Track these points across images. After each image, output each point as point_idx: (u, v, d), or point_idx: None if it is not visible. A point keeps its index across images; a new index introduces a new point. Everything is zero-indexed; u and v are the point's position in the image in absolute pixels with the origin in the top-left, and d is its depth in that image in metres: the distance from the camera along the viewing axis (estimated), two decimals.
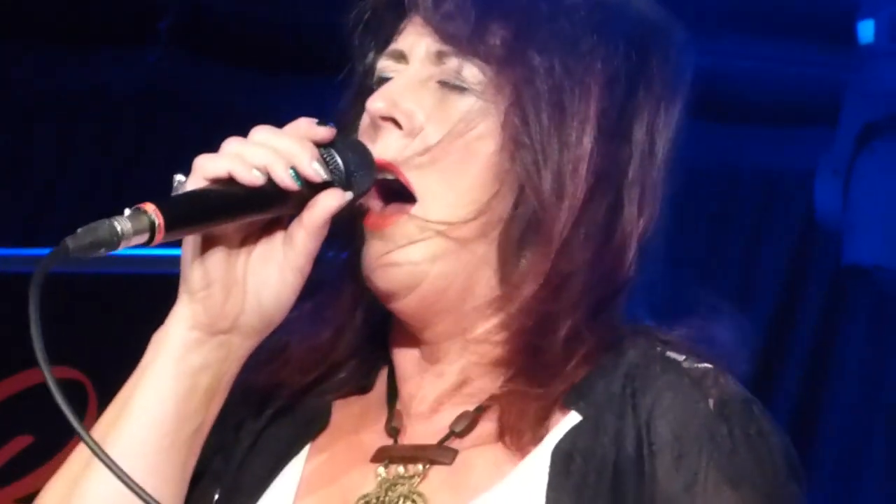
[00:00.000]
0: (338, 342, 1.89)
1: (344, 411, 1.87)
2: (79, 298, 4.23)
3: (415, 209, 1.80)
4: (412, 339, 1.86)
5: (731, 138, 4.89)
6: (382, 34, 1.92)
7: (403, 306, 1.81)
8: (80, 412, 1.82)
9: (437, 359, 1.86)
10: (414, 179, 1.78)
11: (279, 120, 2.01)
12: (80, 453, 1.77)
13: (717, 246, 4.94)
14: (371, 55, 1.92)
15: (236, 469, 1.90)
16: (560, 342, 1.78)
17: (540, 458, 1.76)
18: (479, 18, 1.84)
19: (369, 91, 1.88)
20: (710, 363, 1.76)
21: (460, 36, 1.83)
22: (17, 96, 4.82)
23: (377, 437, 1.83)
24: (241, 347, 1.79)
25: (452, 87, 1.82)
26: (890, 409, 5.30)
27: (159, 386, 1.76)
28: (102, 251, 1.62)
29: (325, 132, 1.79)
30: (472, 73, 1.82)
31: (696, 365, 1.76)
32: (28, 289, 1.67)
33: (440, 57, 1.82)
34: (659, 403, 1.78)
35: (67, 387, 1.87)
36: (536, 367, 1.80)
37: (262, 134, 1.77)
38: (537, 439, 1.77)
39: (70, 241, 1.59)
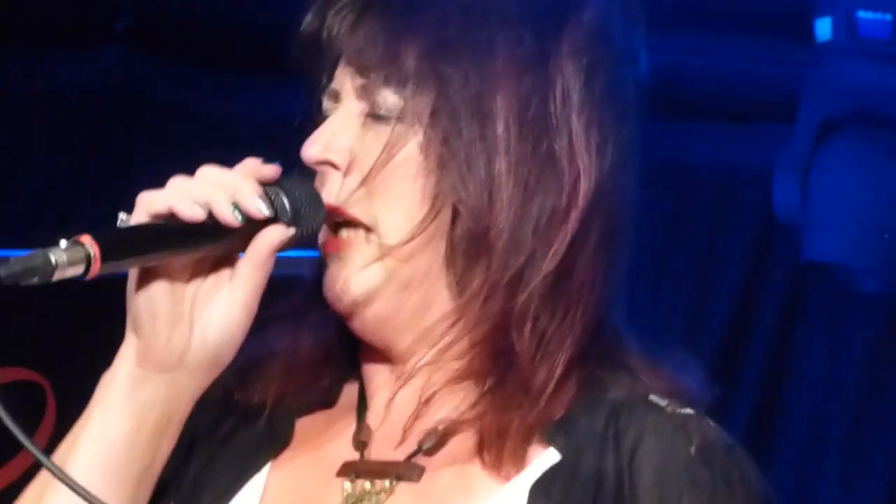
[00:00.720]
0: (303, 358, 1.89)
1: (308, 426, 1.87)
2: (38, 300, 4.04)
3: (368, 233, 1.84)
4: (379, 355, 1.88)
5: (689, 135, 4.91)
6: (322, 75, 1.97)
7: (361, 324, 1.83)
8: (39, 414, 1.83)
9: (405, 375, 1.86)
10: (359, 213, 1.80)
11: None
12: (40, 478, 1.81)
13: (676, 243, 4.96)
14: (318, 94, 1.95)
15: (192, 487, 1.90)
16: (527, 342, 1.78)
17: (517, 493, 1.77)
18: (388, 44, 1.86)
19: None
20: (692, 408, 1.77)
21: (373, 65, 1.86)
22: None
23: (343, 451, 1.83)
24: (189, 386, 1.80)
25: (377, 117, 1.85)
26: (848, 407, 5.37)
27: (106, 423, 1.77)
28: (35, 280, 1.64)
29: (271, 170, 1.80)
30: (392, 100, 1.84)
31: (679, 410, 1.76)
32: None
33: (365, 90, 1.85)
34: (642, 446, 1.78)
35: (26, 388, 1.87)
36: (511, 380, 1.80)
37: (207, 171, 1.78)
38: (515, 465, 1.77)
39: (2, 269, 1.60)
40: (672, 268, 4.88)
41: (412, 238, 1.81)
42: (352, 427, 1.84)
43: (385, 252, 1.81)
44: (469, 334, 1.81)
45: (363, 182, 1.83)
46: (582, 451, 1.77)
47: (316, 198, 1.79)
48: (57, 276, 1.65)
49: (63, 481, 1.68)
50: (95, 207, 4.32)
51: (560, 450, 1.75)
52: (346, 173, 1.81)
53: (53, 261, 1.63)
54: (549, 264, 1.80)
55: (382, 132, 1.83)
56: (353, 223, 1.82)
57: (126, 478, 1.78)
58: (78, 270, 1.65)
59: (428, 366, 1.84)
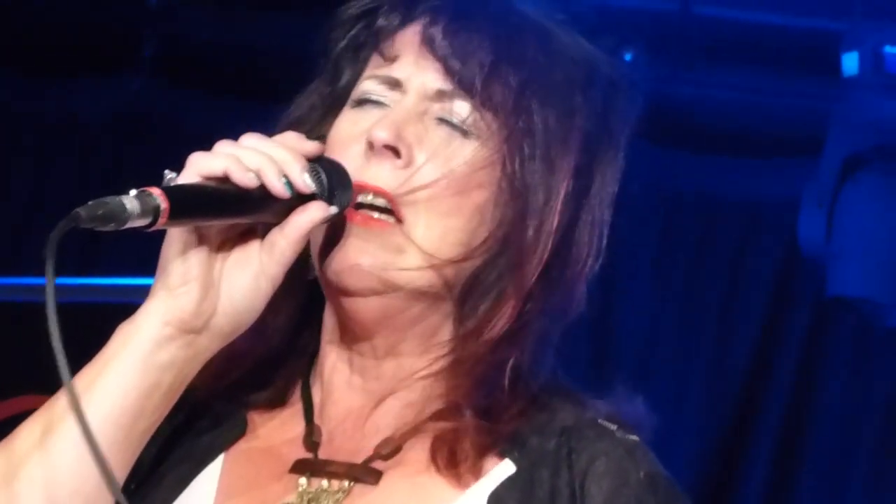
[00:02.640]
0: (259, 349, 1.86)
1: (260, 421, 1.86)
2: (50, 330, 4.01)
3: (406, 227, 1.80)
4: (347, 351, 1.85)
5: (717, 168, 4.85)
6: (364, 52, 1.90)
7: (363, 307, 1.80)
8: None
9: (369, 376, 1.84)
10: (404, 209, 1.77)
11: None
12: (55, 408, 1.76)
13: (701, 276, 4.92)
14: (349, 71, 1.89)
15: (150, 471, 1.86)
16: (507, 385, 1.78)
17: (474, 502, 1.75)
18: (493, 64, 1.82)
19: (340, 103, 1.88)
20: (637, 436, 1.78)
21: (470, 79, 1.82)
22: None
23: (295, 450, 1.82)
24: (206, 350, 1.76)
25: (454, 126, 1.80)
26: (872, 441, 5.24)
27: (124, 378, 1.73)
28: (112, 226, 1.60)
29: (314, 147, 1.78)
30: (475, 117, 1.80)
31: (627, 436, 1.76)
32: (19, 313, 1.67)
33: (441, 95, 1.81)
34: (594, 467, 1.77)
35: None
36: (478, 405, 1.79)
37: (254, 140, 1.75)
38: (473, 474, 1.76)
39: (82, 211, 1.57)
40: (697, 300, 4.82)
41: (464, 259, 1.80)
42: (301, 426, 1.84)
43: (425, 257, 1.82)
44: (457, 361, 1.81)
45: (426, 185, 1.82)
46: (536, 466, 1.77)
47: (346, 178, 1.77)
48: (128, 224, 1.63)
49: (87, 439, 1.65)
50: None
51: (515, 463, 1.74)
52: (404, 165, 1.80)
53: (128, 208, 1.60)
54: (551, 317, 1.82)
55: (460, 146, 1.83)
56: (389, 212, 1.81)
57: (131, 435, 1.77)
58: (145, 222, 1.63)
59: (394, 371, 1.84)
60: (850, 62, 4.29)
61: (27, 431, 1.74)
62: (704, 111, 4.60)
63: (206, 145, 2.09)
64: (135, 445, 1.74)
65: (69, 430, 1.69)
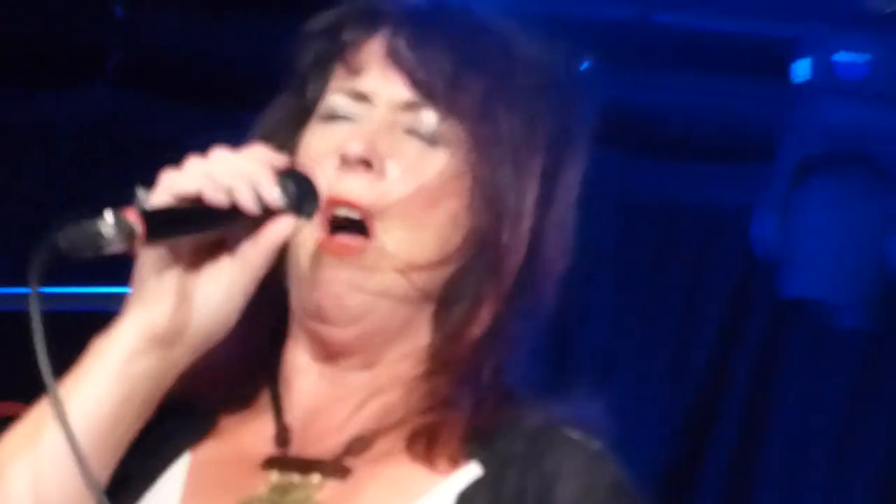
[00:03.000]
0: (228, 356, 1.87)
1: (228, 422, 1.88)
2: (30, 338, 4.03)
3: (378, 244, 1.80)
4: (320, 362, 1.87)
5: (674, 174, 4.79)
6: (330, 65, 1.91)
7: (340, 334, 1.81)
8: None
9: (342, 384, 1.85)
10: (377, 223, 1.79)
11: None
12: (39, 413, 1.76)
13: (660, 279, 4.93)
14: (315, 84, 1.92)
15: (119, 468, 1.84)
16: (484, 385, 1.81)
17: (443, 500, 1.77)
18: (456, 72, 1.83)
19: (307, 116, 1.90)
20: (600, 442, 1.79)
21: (437, 89, 1.84)
22: None
23: (265, 447, 1.82)
24: (180, 362, 1.77)
25: (422, 137, 1.83)
26: (827, 441, 5.28)
27: (99, 388, 1.75)
28: (89, 253, 1.61)
29: (282, 160, 1.78)
30: (443, 127, 1.82)
31: (592, 442, 1.78)
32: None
33: (409, 106, 1.83)
34: (560, 471, 1.78)
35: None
36: (455, 404, 1.81)
37: (224, 156, 1.76)
38: (441, 473, 1.78)
39: (60, 240, 1.60)
40: (655, 305, 4.83)
41: (439, 265, 1.82)
42: (271, 425, 1.85)
43: (400, 269, 1.82)
44: (436, 365, 1.83)
45: (400, 198, 1.84)
46: (504, 469, 1.78)
47: (313, 189, 1.79)
48: (105, 251, 1.63)
49: (71, 446, 1.67)
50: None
51: (483, 464, 1.76)
52: (376, 178, 1.81)
53: (105, 235, 1.63)
54: (520, 309, 1.83)
55: (431, 156, 1.86)
56: (355, 226, 1.80)
57: (108, 442, 1.78)
58: (122, 246, 1.64)
59: (369, 380, 1.86)
60: (802, 68, 4.31)
61: (12, 437, 1.77)
62: (660, 118, 4.60)
63: (171, 152, 2.10)
64: (113, 452, 1.76)
65: (52, 436, 1.71)
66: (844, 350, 5.00)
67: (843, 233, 4.41)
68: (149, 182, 1.77)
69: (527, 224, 1.84)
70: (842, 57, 4.30)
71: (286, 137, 1.86)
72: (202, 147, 2.13)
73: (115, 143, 4.50)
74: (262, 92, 1.93)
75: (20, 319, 1.78)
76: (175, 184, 1.67)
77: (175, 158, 1.85)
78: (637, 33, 4.45)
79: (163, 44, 4.57)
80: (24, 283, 1.68)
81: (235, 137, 2.16)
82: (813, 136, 4.37)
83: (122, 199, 1.72)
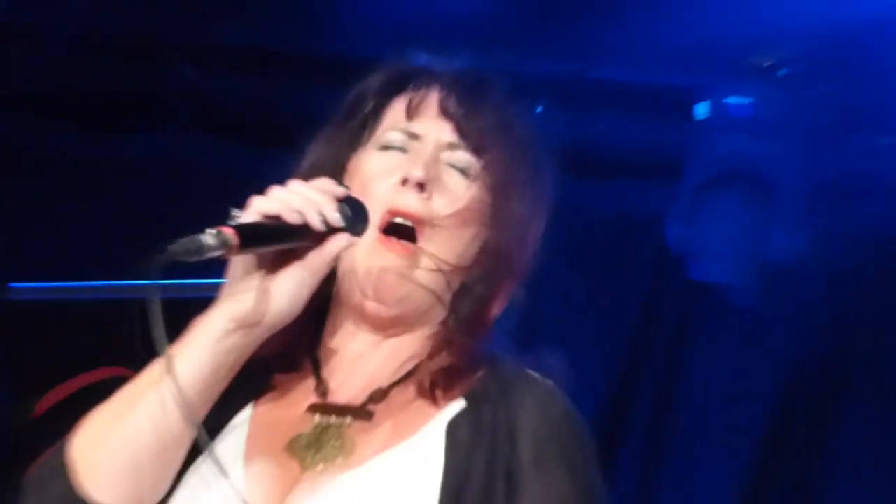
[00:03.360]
0: (281, 330, 1.89)
1: (279, 378, 1.93)
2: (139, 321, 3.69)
3: (424, 249, 1.88)
4: (358, 334, 1.92)
5: (609, 191, 4.69)
6: (385, 110, 1.99)
7: (386, 311, 1.88)
8: None
9: (376, 349, 1.92)
10: (422, 233, 1.85)
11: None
12: (151, 372, 1.81)
13: (598, 273, 4.74)
14: (371, 122, 1.98)
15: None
16: (475, 342, 1.89)
17: (437, 428, 1.83)
18: (488, 127, 1.93)
19: (355, 147, 1.95)
20: (555, 382, 1.86)
21: (474, 137, 1.92)
22: (59, 165, 4.62)
23: (308, 397, 1.88)
24: (258, 339, 1.81)
25: (461, 171, 1.90)
26: (731, 408, 5.05)
27: (198, 357, 1.79)
28: (195, 258, 1.67)
29: (341, 191, 1.84)
30: (476, 167, 1.89)
31: (548, 382, 1.84)
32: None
33: (452, 146, 1.90)
34: (524, 404, 1.85)
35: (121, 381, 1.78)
36: (454, 356, 1.88)
37: (298, 186, 1.82)
38: (436, 409, 1.85)
39: (175, 248, 1.64)
40: (595, 289, 4.66)
41: (470, 268, 1.90)
42: (312, 381, 1.90)
43: (441, 269, 1.89)
44: (444, 337, 1.89)
45: (444, 217, 1.89)
46: (482, 403, 1.84)
47: (364, 211, 1.84)
48: (207, 256, 1.68)
49: (178, 395, 1.72)
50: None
51: (467, 400, 1.83)
52: (427, 198, 1.87)
53: (208, 244, 1.68)
54: (509, 288, 1.91)
55: (467, 188, 1.91)
56: (406, 231, 1.89)
57: (199, 398, 1.82)
58: (221, 253, 1.69)
59: (393, 346, 1.92)
60: (703, 109, 4.36)
61: (128, 390, 1.82)
62: (600, 148, 4.49)
63: (224, 183, 2.14)
64: (203, 403, 1.81)
65: (158, 393, 1.78)
66: (734, 319, 4.86)
67: (735, 232, 4.44)
68: (209, 207, 1.82)
69: (531, 245, 1.93)
70: (732, 100, 4.34)
71: (335, 161, 1.93)
72: (248, 179, 2.14)
73: (184, 176, 4.41)
74: (296, 134, 2.02)
75: (123, 307, 1.80)
76: (261, 206, 1.74)
77: (226, 189, 1.84)
78: (578, 84, 4.32)
79: (218, 96, 4.47)
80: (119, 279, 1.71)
81: (284, 171, 2.14)
82: (711, 161, 4.43)
83: (185, 222, 1.78)
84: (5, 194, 4.53)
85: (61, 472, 1.81)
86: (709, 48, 4.19)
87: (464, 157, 1.92)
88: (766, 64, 4.15)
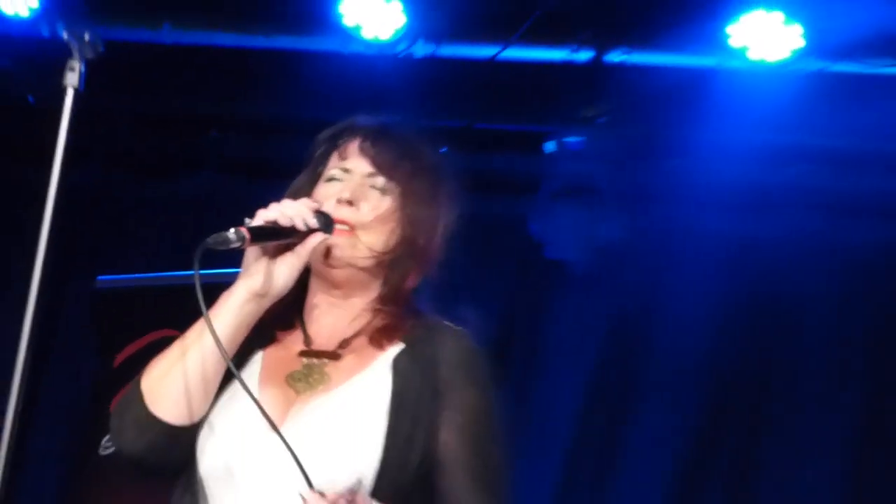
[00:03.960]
0: (280, 301, 1.85)
1: (280, 333, 1.90)
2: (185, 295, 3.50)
3: (355, 236, 1.84)
4: (325, 297, 1.91)
5: (492, 201, 4.33)
6: (327, 156, 1.93)
7: (337, 273, 1.89)
8: None
9: (337, 308, 1.90)
10: (360, 231, 1.83)
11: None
12: (193, 329, 1.77)
13: (478, 256, 4.23)
14: (321, 165, 1.94)
15: None
16: (402, 304, 1.89)
17: (385, 362, 1.85)
18: (395, 160, 1.91)
19: (317, 180, 1.90)
20: (465, 329, 1.88)
21: (386, 168, 1.91)
22: (119, 205, 4.39)
23: (299, 346, 1.88)
24: (265, 306, 1.82)
25: (380, 190, 1.90)
26: (571, 351, 4.76)
27: (226, 318, 1.80)
28: (222, 247, 1.69)
29: (315, 205, 1.84)
30: (390, 186, 1.89)
31: (460, 328, 1.88)
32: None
33: (371, 175, 1.89)
34: (444, 343, 1.88)
35: (173, 339, 1.83)
36: (394, 311, 1.88)
37: (289, 202, 1.83)
38: (383, 350, 1.84)
39: (209, 240, 1.66)
40: (476, 265, 3.95)
41: (388, 253, 1.88)
42: (301, 335, 1.88)
43: (370, 251, 1.84)
44: (382, 295, 1.89)
45: (367, 221, 1.87)
46: (416, 344, 1.86)
47: (331, 218, 1.84)
48: (230, 247, 1.70)
49: (217, 341, 1.67)
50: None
51: (405, 343, 1.85)
52: (355, 210, 1.85)
53: (230, 238, 1.69)
54: (422, 267, 1.90)
55: (383, 200, 1.91)
56: (350, 231, 1.86)
57: (229, 347, 1.80)
58: (238, 245, 1.71)
59: (350, 305, 1.88)
60: (550, 145, 4.31)
61: (179, 342, 1.82)
62: (484, 172, 4.16)
63: (247, 214, 2.21)
64: (231, 351, 1.78)
65: (200, 343, 1.77)
66: (575, 284, 4.73)
67: (575, 225, 4.38)
68: (227, 225, 1.81)
69: (437, 237, 1.93)
70: (570, 139, 4.28)
71: (306, 191, 1.93)
72: (255, 203, 2.21)
73: (216, 209, 4.06)
74: (286, 173, 2.01)
75: (184, 288, 1.79)
76: (264, 215, 1.80)
77: (240, 212, 1.88)
78: (470, 132, 4.18)
79: (238, 153, 4.27)
80: (187, 268, 1.76)
81: (273, 196, 2.20)
82: (558, 179, 4.40)
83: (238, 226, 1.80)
84: (95, 224, 4.35)
85: (136, 400, 1.83)
86: (554, 107, 4.25)
87: (380, 180, 1.94)
88: (591, 115, 4.17)
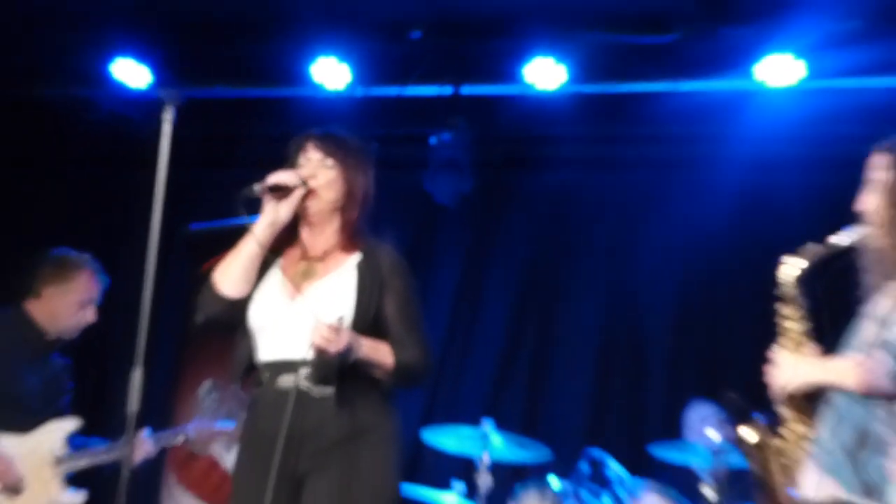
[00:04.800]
0: (286, 231, 2.34)
1: (287, 251, 2.38)
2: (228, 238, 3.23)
3: (319, 196, 2.37)
4: (309, 229, 2.35)
5: (403, 172, 5.22)
6: (298, 152, 2.47)
7: (312, 216, 2.36)
8: None
9: (315, 234, 2.38)
10: (320, 192, 2.36)
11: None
12: (240, 246, 2.27)
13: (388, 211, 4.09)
14: (294, 157, 2.43)
15: None
16: (355, 228, 2.40)
17: (352, 264, 2.33)
18: (336, 150, 2.39)
19: (294, 165, 2.37)
20: (391, 247, 2.39)
21: (331, 153, 2.39)
22: (195, 190, 5.17)
23: (299, 254, 2.36)
24: (276, 230, 2.31)
25: (327, 166, 2.37)
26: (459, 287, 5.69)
27: (258, 236, 2.29)
28: (251, 195, 2.15)
29: (296, 173, 2.34)
30: (334, 164, 2.38)
31: (389, 246, 2.36)
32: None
33: (322, 160, 2.40)
34: (383, 255, 2.38)
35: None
36: (349, 234, 2.41)
37: (282, 172, 2.31)
38: (349, 256, 2.32)
39: (244, 190, 2.07)
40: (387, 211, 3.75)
41: (337, 203, 2.34)
42: (299, 252, 2.35)
43: (326, 202, 2.37)
44: (341, 224, 2.40)
45: (320, 186, 2.33)
46: (369, 255, 2.33)
47: (304, 181, 2.29)
48: (255, 195, 2.13)
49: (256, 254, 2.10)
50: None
51: (362, 253, 2.33)
52: (316, 179, 2.35)
53: (255, 190, 2.04)
54: (359, 208, 2.44)
55: (329, 172, 2.36)
56: (314, 193, 2.37)
57: (256, 262, 2.31)
58: (259, 194, 2.14)
59: (322, 230, 2.37)
60: (433, 139, 5.17)
61: (232, 252, 2.32)
62: (392, 151, 4.33)
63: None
64: (263, 253, 2.30)
65: (244, 249, 2.29)
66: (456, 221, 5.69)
67: (450, 183, 5.24)
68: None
69: (362, 193, 2.43)
70: (444, 135, 5.11)
71: (290, 166, 2.42)
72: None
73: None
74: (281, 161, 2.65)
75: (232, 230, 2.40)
76: (271, 179, 2.30)
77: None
78: (386, 135, 4.47)
79: (264, 154, 3.59)
80: (233, 216, 2.31)
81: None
82: (438, 157, 5.14)
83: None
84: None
85: (209, 286, 2.41)
86: (434, 118, 5.09)
87: (328, 161, 2.35)
88: (452, 123, 5.08)
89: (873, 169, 2.57)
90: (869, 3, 4.16)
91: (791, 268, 2.74)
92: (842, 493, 2.44)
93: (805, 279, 2.68)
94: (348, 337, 2.30)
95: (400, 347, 2.37)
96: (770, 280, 2.77)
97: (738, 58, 4.48)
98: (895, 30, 4.19)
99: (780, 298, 2.72)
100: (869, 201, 2.57)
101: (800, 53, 4.44)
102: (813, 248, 2.69)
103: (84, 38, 4.95)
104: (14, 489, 3.74)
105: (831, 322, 2.62)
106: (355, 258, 2.45)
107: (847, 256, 2.60)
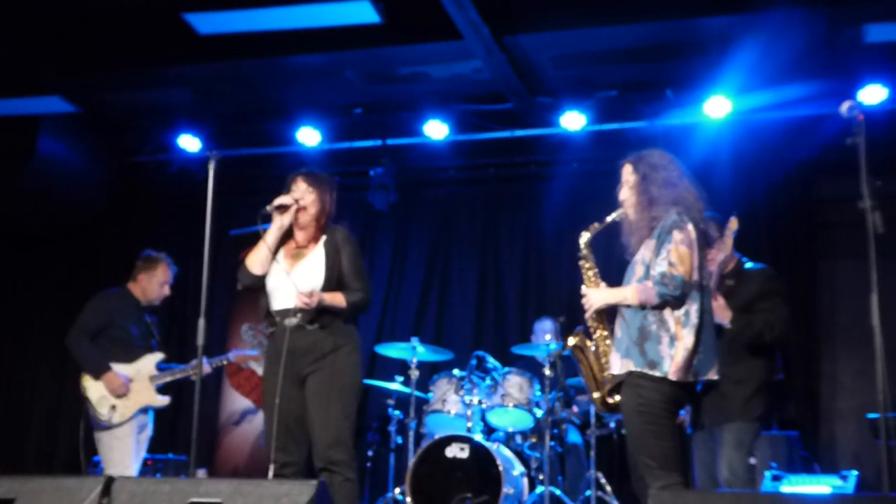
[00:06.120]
0: (284, 232, 2.87)
1: (287, 242, 3.01)
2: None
3: (308, 211, 2.97)
4: (298, 230, 3.02)
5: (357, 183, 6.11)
6: (291, 183, 3.11)
7: (301, 224, 2.97)
8: None
9: (302, 233, 3.07)
10: (308, 209, 2.93)
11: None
12: (258, 245, 2.83)
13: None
14: (288, 187, 3.02)
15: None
16: (324, 228, 2.98)
17: (321, 244, 3.05)
18: (314, 182, 2.83)
19: (288, 192, 2.92)
20: (343, 228, 2.98)
21: (311, 185, 2.96)
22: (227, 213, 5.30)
23: (294, 245, 3.04)
24: (281, 233, 2.85)
25: (311, 191, 2.95)
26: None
27: (271, 237, 2.93)
28: (266, 212, 2.75)
29: (291, 197, 2.89)
30: (312, 190, 2.97)
31: (342, 228, 2.96)
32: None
33: (305, 188, 3.03)
34: (339, 233, 3.00)
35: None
36: (321, 230, 3.07)
37: (283, 196, 2.88)
38: (317, 242, 3.03)
39: (262, 210, 2.59)
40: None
41: (319, 216, 3.04)
42: (293, 241, 3.00)
43: (311, 215, 3.03)
44: (314, 221, 3.10)
45: (311, 201, 2.93)
46: (330, 236, 3.04)
47: (297, 202, 2.77)
48: (268, 212, 2.75)
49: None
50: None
51: (328, 235, 3.01)
52: (304, 201, 2.95)
53: (268, 210, 2.58)
54: (329, 214, 3.12)
55: (310, 196, 3.00)
56: (303, 210, 3.02)
57: (272, 248, 2.86)
58: (270, 212, 2.74)
59: (306, 228, 3.03)
60: (373, 172, 6.12)
61: (257, 246, 2.83)
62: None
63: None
64: (274, 247, 2.80)
65: (263, 246, 2.82)
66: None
67: (382, 196, 6.34)
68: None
69: (331, 204, 3.20)
70: (378, 170, 6.13)
71: (286, 191, 3.03)
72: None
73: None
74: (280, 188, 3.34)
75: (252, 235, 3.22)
76: (275, 202, 2.89)
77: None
78: (345, 172, 5.64)
79: (264, 187, 4.86)
80: (252, 225, 3.16)
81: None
82: (376, 183, 6.21)
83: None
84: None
85: (243, 266, 3.10)
86: (371, 159, 6.02)
87: (310, 189, 3.03)
88: (384, 163, 6.12)
89: (624, 173, 3.50)
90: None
91: (585, 237, 3.64)
92: (635, 368, 3.31)
93: (592, 243, 3.55)
94: (317, 297, 3.27)
95: (351, 292, 3.32)
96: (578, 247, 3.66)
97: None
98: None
99: (582, 257, 3.59)
100: (624, 193, 3.52)
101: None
102: (596, 224, 3.56)
103: (162, 125, 6.77)
104: (126, 396, 4.94)
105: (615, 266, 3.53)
106: (322, 240, 3.23)
107: (616, 226, 3.49)
